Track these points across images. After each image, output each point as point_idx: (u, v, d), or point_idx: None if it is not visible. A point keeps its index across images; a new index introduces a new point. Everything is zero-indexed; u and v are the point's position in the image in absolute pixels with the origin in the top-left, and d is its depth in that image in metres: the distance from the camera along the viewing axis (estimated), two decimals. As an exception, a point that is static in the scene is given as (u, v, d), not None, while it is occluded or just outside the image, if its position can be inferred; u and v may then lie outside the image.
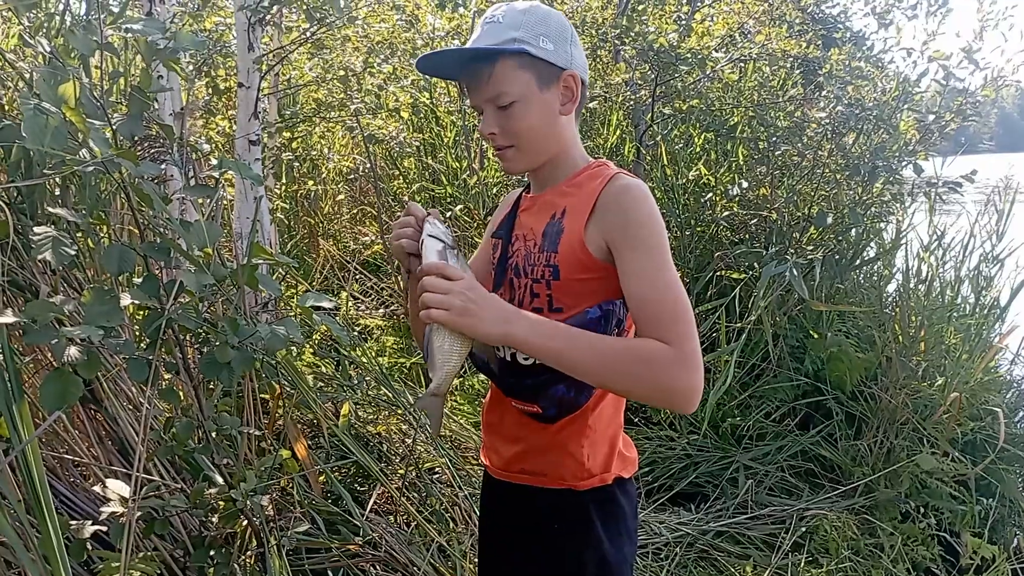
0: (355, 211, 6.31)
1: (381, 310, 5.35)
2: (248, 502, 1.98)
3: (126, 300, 1.69)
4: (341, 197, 6.21)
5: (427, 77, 5.21)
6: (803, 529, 3.00)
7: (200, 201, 2.67)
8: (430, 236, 1.24)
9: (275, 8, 3.33)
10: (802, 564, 2.82)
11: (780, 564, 2.82)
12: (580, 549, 1.40)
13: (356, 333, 4.66)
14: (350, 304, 5.22)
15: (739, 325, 3.34)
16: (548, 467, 1.41)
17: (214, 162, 1.88)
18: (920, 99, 3.74)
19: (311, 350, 3.62)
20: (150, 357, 1.76)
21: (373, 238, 5.97)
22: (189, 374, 1.98)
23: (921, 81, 3.66)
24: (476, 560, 2.79)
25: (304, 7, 3.30)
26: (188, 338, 2.02)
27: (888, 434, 3.37)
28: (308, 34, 3.83)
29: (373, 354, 4.26)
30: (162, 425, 2.02)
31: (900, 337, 3.54)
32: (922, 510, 3.17)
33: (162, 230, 2.04)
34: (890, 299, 4.02)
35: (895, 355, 3.43)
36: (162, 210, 1.81)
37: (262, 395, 2.83)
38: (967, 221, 4.14)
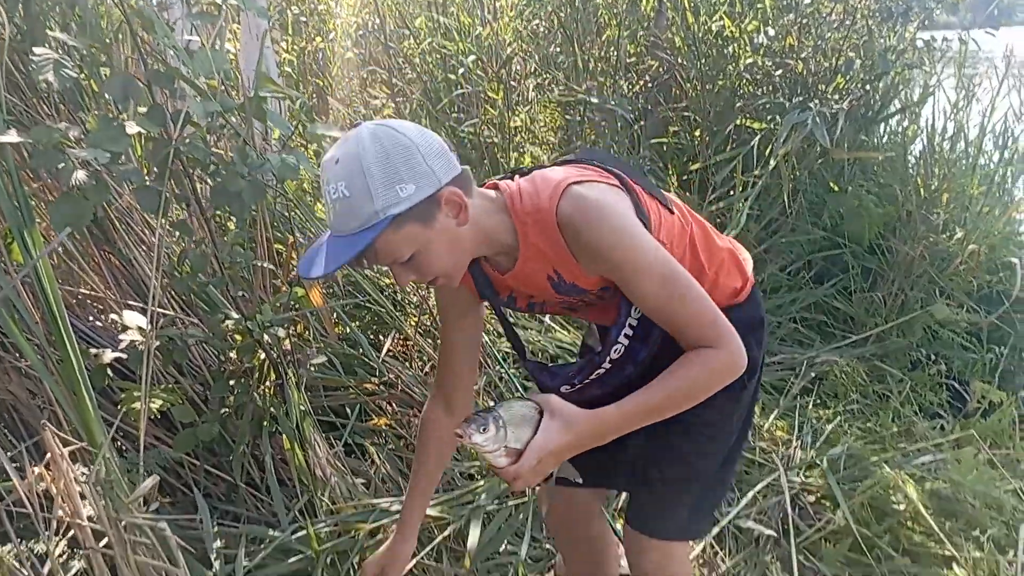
0: (365, 73, 6.14)
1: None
2: (265, 334, 2.01)
3: (132, 128, 1.66)
4: (350, 55, 6.04)
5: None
6: (812, 375, 3.04)
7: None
8: (474, 444, 1.18)
9: None
10: (810, 406, 2.88)
11: (788, 406, 2.88)
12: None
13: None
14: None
15: (756, 173, 3.27)
16: None
17: (215, -9, 1.81)
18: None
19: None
20: (160, 188, 1.75)
21: (384, 101, 5.84)
22: (200, 207, 1.97)
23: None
24: (489, 399, 2.85)
25: None
26: (197, 173, 2.00)
27: (903, 286, 3.36)
28: None
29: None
30: (176, 259, 2.03)
31: (922, 190, 3.47)
32: (932, 358, 3.20)
33: (166, 59, 1.99)
34: (913, 156, 3.93)
35: (915, 208, 3.37)
36: (165, 34, 1.75)
37: (277, 246, 2.83)
38: (994, 81, 3.96)
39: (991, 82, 3.93)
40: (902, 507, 2.33)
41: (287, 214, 2.85)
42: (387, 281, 3.20)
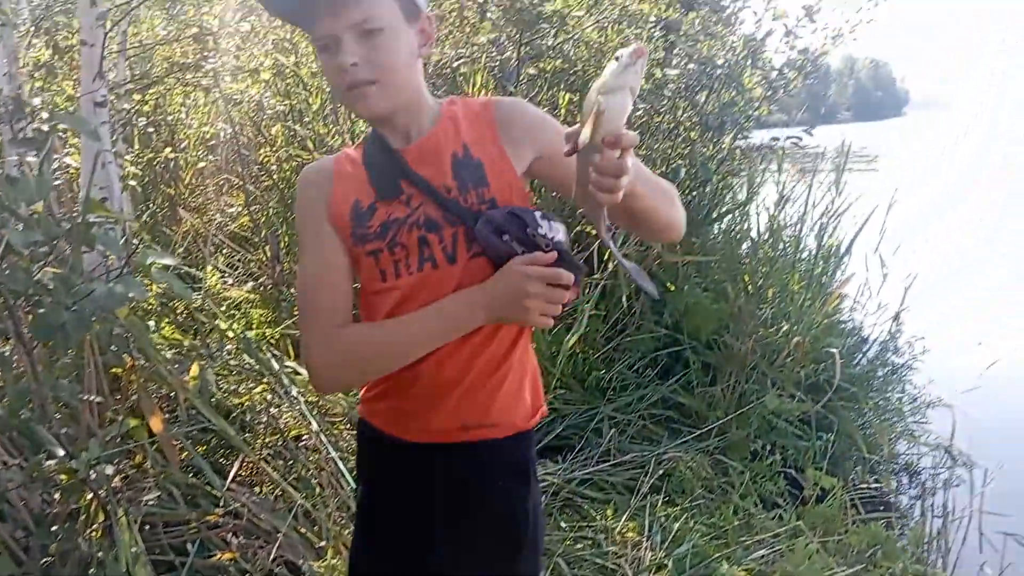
0: (219, 181, 6.06)
1: (249, 284, 5.19)
2: (91, 472, 1.90)
3: (-59, 264, 1.59)
4: (203, 165, 5.95)
5: (289, 39, 5.04)
6: (661, 472, 3.15)
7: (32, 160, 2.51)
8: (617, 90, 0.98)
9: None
10: (659, 504, 2.97)
11: (639, 506, 2.96)
12: (525, 496, 1.35)
13: (223, 308, 4.51)
14: (215, 278, 5.03)
15: (596, 278, 3.45)
16: (498, 415, 1.30)
17: (45, 115, 1.79)
18: (768, 59, 3.94)
19: (169, 323, 3.49)
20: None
21: (239, 209, 5.76)
22: (22, 341, 1.87)
23: (766, 41, 3.86)
24: (340, 521, 2.78)
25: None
26: (20, 303, 1.92)
27: (740, 380, 3.57)
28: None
29: (241, 326, 4.14)
30: (-8, 397, 1.92)
31: (749, 288, 3.75)
32: (769, 448, 3.39)
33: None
34: (743, 254, 4.24)
35: (745, 304, 3.63)
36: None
37: (113, 370, 2.71)
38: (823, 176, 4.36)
39: (820, 177, 4.32)
40: (745, 604, 2.43)
41: (125, 336, 2.74)
42: (235, 401, 3.10)
